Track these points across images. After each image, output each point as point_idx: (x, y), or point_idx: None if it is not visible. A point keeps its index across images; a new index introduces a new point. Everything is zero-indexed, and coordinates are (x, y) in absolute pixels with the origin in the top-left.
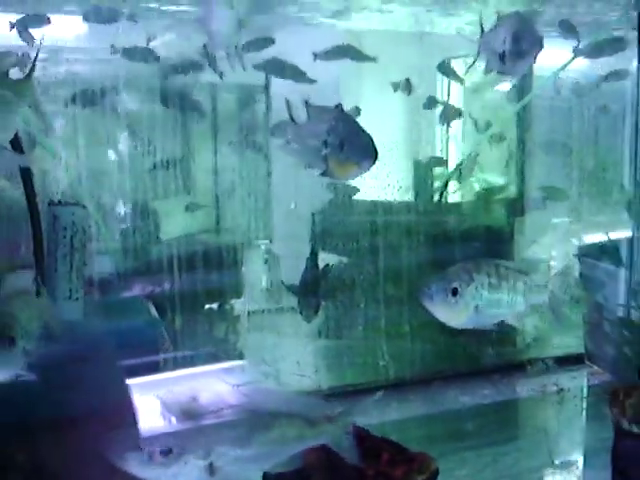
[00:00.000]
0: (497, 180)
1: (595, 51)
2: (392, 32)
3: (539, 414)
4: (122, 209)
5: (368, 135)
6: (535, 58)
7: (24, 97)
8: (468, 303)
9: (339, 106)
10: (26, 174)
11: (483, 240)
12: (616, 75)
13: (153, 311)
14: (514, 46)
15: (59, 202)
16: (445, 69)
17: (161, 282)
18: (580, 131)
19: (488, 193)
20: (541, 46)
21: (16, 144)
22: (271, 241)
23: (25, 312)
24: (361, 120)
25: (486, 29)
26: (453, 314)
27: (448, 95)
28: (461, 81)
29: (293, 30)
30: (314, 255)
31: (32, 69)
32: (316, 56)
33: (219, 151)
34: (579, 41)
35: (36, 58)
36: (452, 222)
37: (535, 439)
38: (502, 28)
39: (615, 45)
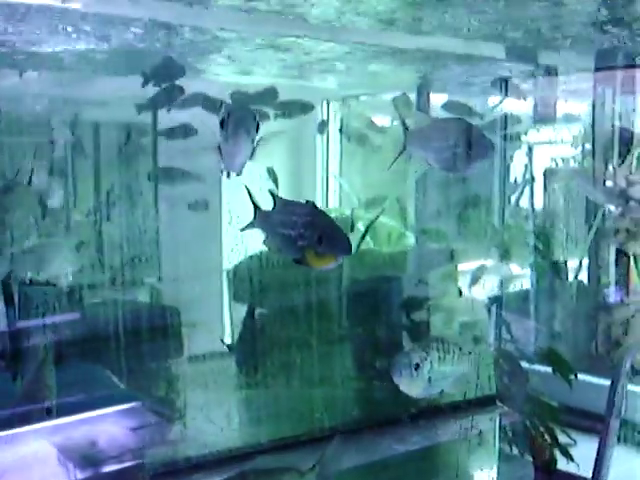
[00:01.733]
0: (392, 224)
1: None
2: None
3: (465, 456)
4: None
5: (342, 229)
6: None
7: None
8: (424, 376)
9: (310, 202)
10: None
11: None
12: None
13: (115, 379)
14: (468, 150)
15: (30, 282)
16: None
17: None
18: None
19: (388, 239)
20: (493, 150)
21: None
22: (160, 279)
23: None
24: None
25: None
26: (414, 386)
27: (327, 139)
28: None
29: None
30: (251, 312)
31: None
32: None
33: (104, 190)
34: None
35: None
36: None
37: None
38: (449, 131)
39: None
